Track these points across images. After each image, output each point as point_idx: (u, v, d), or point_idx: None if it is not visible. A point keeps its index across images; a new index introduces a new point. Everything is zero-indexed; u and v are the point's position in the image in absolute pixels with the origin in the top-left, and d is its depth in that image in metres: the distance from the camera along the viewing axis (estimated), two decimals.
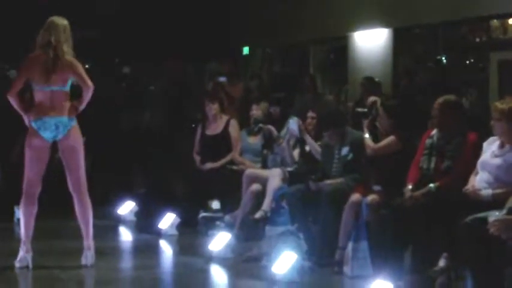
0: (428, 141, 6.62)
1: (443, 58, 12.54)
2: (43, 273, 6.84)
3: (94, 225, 7.13)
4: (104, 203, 9.45)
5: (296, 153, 8.42)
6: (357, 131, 7.50)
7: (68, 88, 6.80)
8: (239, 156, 9.26)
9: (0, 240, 8.18)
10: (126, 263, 7.89)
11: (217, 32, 15.24)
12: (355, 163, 7.36)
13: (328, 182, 7.34)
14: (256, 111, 9.35)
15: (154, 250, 8.23)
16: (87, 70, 7.06)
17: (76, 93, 6.91)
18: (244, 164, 9.05)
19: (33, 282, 6.74)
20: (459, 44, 12.83)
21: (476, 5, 11.21)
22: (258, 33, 15.45)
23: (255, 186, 8.38)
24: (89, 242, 7.04)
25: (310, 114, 8.30)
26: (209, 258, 7.49)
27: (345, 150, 7.43)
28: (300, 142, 8.30)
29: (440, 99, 6.64)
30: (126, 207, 9.78)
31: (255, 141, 9.22)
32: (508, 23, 11.82)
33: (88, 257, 7.01)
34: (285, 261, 6.59)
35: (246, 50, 16.21)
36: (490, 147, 6.05)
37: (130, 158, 11.08)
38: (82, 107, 6.80)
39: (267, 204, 8.16)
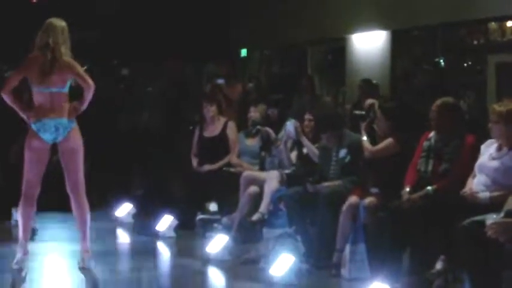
0: (426, 143, 6.62)
1: (441, 60, 12.53)
2: (40, 275, 6.83)
3: (91, 227, 7.10)
4: (101, 204, 9.45)
5: (294, 155, 8.42)
6: (354, 133, 7.51)
7: (67, 89, 6.78)
8: (237, 158, 9.26)
9: None
10: (124, 265, 7.89)
11: (217, 33, 15.24)
12: (353, 165, 7.36)
13: (326, 184, 7.34)
14: (254, 113, 9.35)
15: (152, 252, 8.23)
16: (85, 71, 7.05)
17: (75, 94, 6.90)
18: (242, 166, 9.05)
19: (30, 284, 6.73)
20: (457, 47, 12.83)
21: (474, 7, 11.20)
22: (256, 34, 15.44)
23: (253, 189, 8.38)
24: (86, 244, 7.03)
25: (308, 116, 8.31)
26: (206, 260, 7.49)
27: (342, 152, 7.43)
28: (298, 144, 8.30)
29: (438, 102, 6.65)
30: (124, 209, 9.78)
31: (252, 143, 9.22)
32: (506, 25, 11.81)
33: (85, 259, 7.00)
34: (283, 263, 6.59)
35: (244, 52, 16.20)
36: (488, 150, 6.06)
37: (128, 159, 11.08)
38: (84, 107, 6.79)
39: (264, 206, 8.16)
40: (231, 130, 9.47)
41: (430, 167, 6.51)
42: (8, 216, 9.14)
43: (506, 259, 5.38)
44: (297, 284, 6.58)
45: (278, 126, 8.98)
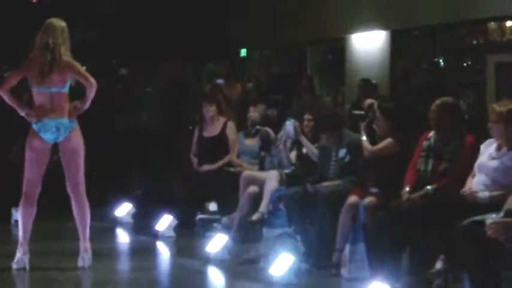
0: (425, 143, 6.62)
1: (440, 60, 12.53)
2: (40, 275, 6.83)
3: (91, 227, 7.13)
4: (101, 204, 9.44)
5: (293, 155, 8.43)
6: (354, 133, 7.51)
7: (67, 89, 6.80)
8: (236, 158, 9.27)
9: None
10: (123, 265, 7.89)
11: (217, 33, 15.23)
12: (353, 165, 7.36)
13: (326, 184, 7.34)
14: (254, 113, 9.36)
15: (152, 252, 8.23)
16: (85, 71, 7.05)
17: (75, 94, 6.91)
18: (242, 166, 9.05)
19: (30, 284, 6.73)
20: (457, 47, 12.83)
21: (474, 7, 11.21)
22: (256, 34, 15.44)
23: (252, 188, 8.38)
24: (86, 243, 7.04)
25: (307, 116, 8.31)
26: (206, 260, 7.49)
27: (342, 152, 7.44)
28: (297, 144, 8.31)
29: (437, 101, 6.65)
30: (124, 209, 9.77)
31: (252, 143, 9.22)
32: (505, 25, 11.81)
33: (85, 258, 7.01)
34: (282, 263, 6.59)
35: (243, 52, 16.20)
36: (488, 150, 6.06)
37: (127, 159, 11.08)
38: (86, 105, 6.80)
39: (264, 206, 8.16)
40: (231, 130, 9.47)
41: (429, 167, 6.51)
42: (8, 216, 9.15)
43: (505, 259, 5.38)
44: (297, 283, 6.58)
45: (277, 126, 8.98)
